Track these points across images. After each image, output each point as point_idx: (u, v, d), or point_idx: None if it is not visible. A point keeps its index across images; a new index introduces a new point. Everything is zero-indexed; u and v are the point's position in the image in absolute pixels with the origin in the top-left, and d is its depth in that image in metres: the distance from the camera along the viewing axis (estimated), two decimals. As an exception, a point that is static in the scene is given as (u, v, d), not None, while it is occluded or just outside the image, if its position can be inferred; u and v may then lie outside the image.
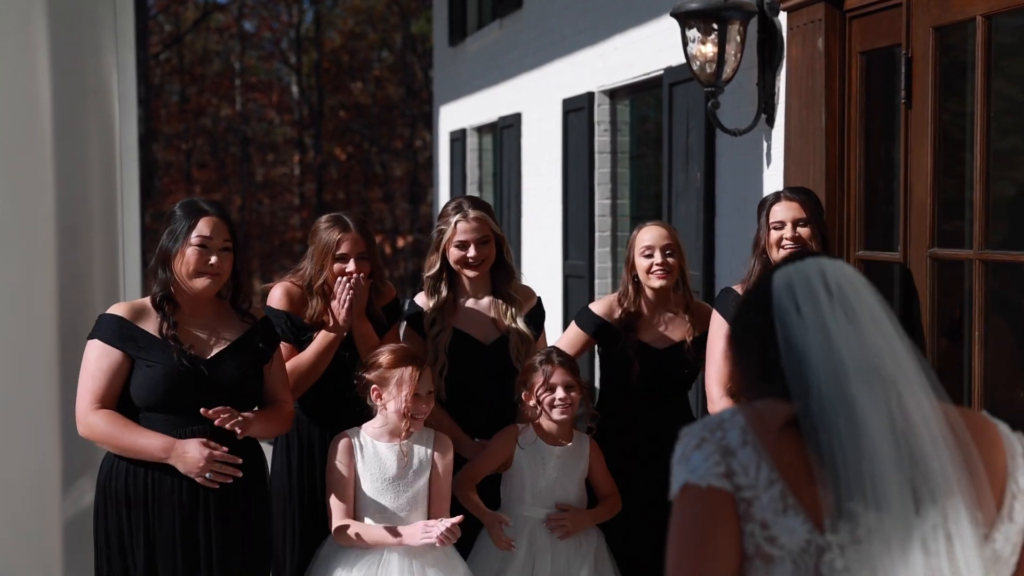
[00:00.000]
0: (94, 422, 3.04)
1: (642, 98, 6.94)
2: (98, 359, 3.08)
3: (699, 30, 4.68)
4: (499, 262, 3.79)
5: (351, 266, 3.61)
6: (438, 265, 3.76)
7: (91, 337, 3.12)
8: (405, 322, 3.86)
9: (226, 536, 3.12)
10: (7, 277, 3.05)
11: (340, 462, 3.37)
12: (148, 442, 3.03)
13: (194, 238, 3.10)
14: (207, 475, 3.05)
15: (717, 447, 1.45)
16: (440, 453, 3.42)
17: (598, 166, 7.09)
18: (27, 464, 3.13)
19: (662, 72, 5.94)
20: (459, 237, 3.70)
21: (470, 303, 3.80)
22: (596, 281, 7.15)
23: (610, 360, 3.91)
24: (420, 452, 3.41)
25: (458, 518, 3.27)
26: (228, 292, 3.23)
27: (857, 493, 1.38)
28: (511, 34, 8.80)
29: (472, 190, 10.04)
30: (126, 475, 3.08)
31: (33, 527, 3.16)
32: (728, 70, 4.70)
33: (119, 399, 3.09)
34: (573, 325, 4.00)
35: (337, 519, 3.34)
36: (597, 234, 7.14)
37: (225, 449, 3.07)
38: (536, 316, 3.88)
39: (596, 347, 4.03)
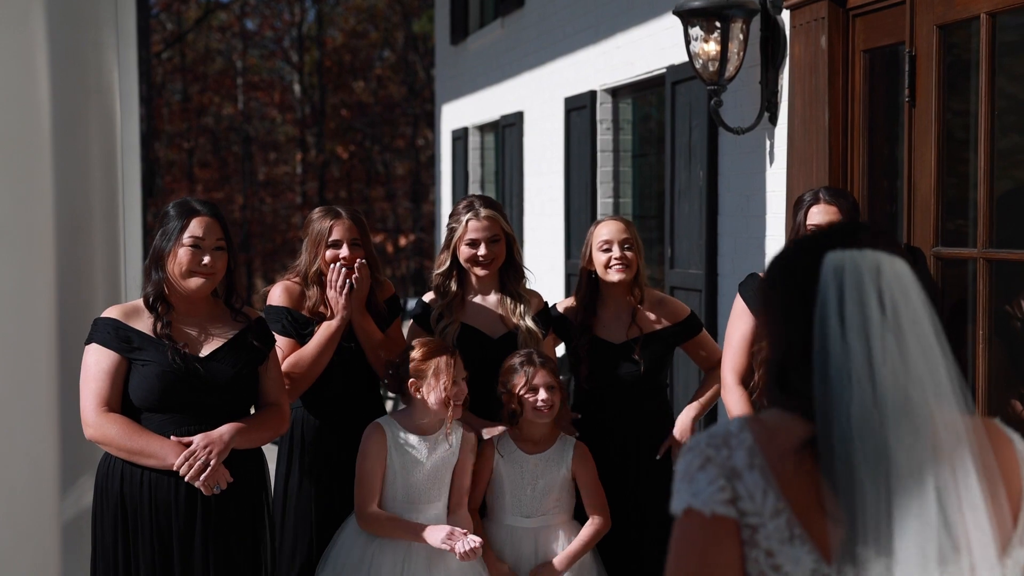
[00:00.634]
0: (105, 426, 3.04)
1: (644, 96, 6.92)
2: (97, 362, 3.08)
3: (702, 28, 4.66)
4: (509, 262, 3.80)
5: (344, 251, 3.64)
6: (448, 263, 3.78)
7: (88, 342, 3.13)
8: (412, 320, 3.87)
9: (224, 539, 3.11)
10: (5, 276, 3.04)
11: (372, 450, 3.41)
12: (160, 448, 3.03)
13: (186, 238, 3.10)
14: (214, 487, 3.05)
15: (722, 469, 1.37)
16: (465, 447, 3.47)
17: (600, 165, 7.08)
18: (25, 464, 3.11)
19: (664, 70, 5.93)
20: (470, 235, 3.72)
21: (478, 300, 3.82)
22: (598, 280, 7.13)
23: (570, 358, 3.92)
24: (445, 443, 3.45)
25: (479, 540, 3.29)
26: (222, 291, 3.24)
27: (872, 539, 1.30)
28: (513, 32, 8.78)
29: (474, 189, 10.03)
30: (122, 476, 3.07)
31: (31, 528, 3.14)
32: (731, 68, 4.68)
33: (122, 401, 3.09)
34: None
35: (364, 505, 3.37)
36: (599, 233, 7.11)
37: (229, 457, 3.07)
38: (543, 318, 3.88)
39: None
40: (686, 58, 4.84)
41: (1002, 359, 3.49)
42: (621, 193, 7.11)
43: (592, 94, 7.05)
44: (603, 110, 7.03)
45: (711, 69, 4.69)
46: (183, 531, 3.07)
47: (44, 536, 3.18)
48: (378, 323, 3.76)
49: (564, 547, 3.51)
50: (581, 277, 3.90)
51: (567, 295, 7.61)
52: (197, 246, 3.10)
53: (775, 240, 4.80)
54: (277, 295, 3.71)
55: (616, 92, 6.98)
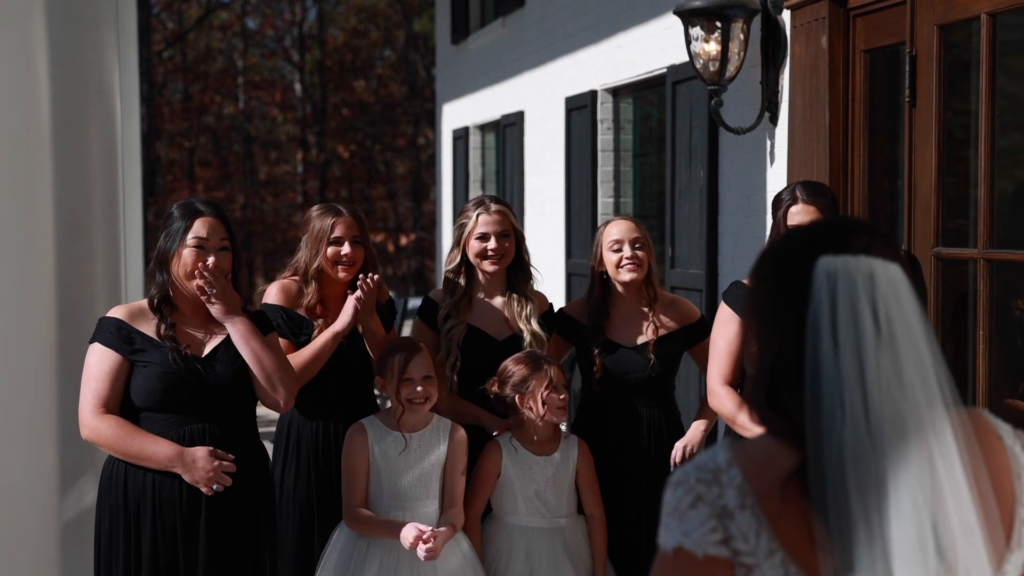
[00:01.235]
0: (100, 427, 3.03)
1: (645, 96, 6.92)
2: (99, 362, 3.08)
3: (702, 28, 4.66)
4: (517, 261, 3.80)
5: (346, 248, 3.66)
6: (458, 260, 3.79)
7: (92, 341, 3.13)
8: (416, 316, 3.88)
9: (227, 539, 3.11)
10: (5, 277, 3.04)
11: (353, 450, 3.41)
12: (155, 450, 3.02)
13: (190, 239, 3.10)
14: (214, 486, 3.05)
15: (713, 509, 1.33)
16: (454, 444, 3.45)
17: (601, 164, 7.07)
18: (25, 465, 3.11)
19: (665, 70, 5.92)
20: (480, 229, 3.73)
21: (485, 300, 3.82)
22: (599, 280, 7.12)
23: (580, 361, 3.90)
24: (433, 442, 3.44)
25: (443, 530, 3.29)
26: None
27: (867, 572, 1.26)
28: (514, 32, 8.78)
29: (475, 188, 10.03)
30: (126, 478, 3.07)
31: (31, 529, 3.14)
32: (731, 68, 4.68)
33: (121, 402, 3.09)
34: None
35: (349, 504, 3.38)
36: (600, 232, 7.12)
37: (232, 457, 3.07)
38: (549, 320, 3.88)
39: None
40: (687, 58, 4.83)
41: (1002, 359, 3.49)
42: (622, 193, 7.11)
43: (593, 94, 7.05)
44: (604, 110, 7.03)
45: (712, 69, 4.69)
46: (186, 531, 3.06)
47: (44, 537, 3.19)
48: (382, 321, 3.76)
49: (576, 546, 3.52)
50: (592, 279, 3.88)
51: (568, 295, 7.62)
52: (201, 247, 3.10)
53: (775, 240, 4.79)
54: (273, 294, 3.71)
55: (617, 92, 6.98)
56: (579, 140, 7.29)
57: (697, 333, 3.86)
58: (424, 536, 3.23)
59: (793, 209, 3.46)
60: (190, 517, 3.06)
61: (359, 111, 23.86)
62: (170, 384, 3.05)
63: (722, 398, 3.51)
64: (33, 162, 3.22)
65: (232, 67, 23.99)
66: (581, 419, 3.84)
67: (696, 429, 3.81)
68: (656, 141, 6.82)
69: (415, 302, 7.29)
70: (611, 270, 3.80)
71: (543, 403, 3.49)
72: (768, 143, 4.90)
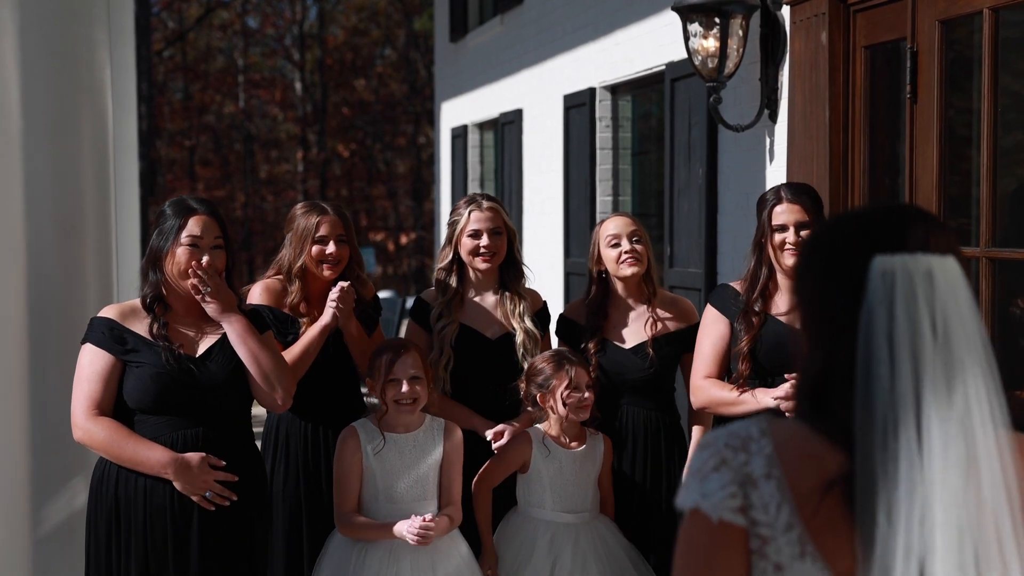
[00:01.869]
0: (93, 430, 2.98)
1: (644, 94, 6.88)
2: (91, 363, 3.03)
3: (701, 24, 4.61)
4: (509, 259, 3.76)
5: (331, 247, 3.63)
6: (450, 258, 3.76)
7: (84, 341, 3.08)
8: (408, 317, 3.84)
9: (221, 547, 3.06)
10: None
11: (345, 454, 3.37)
12: (149, 455, 2.97)
13: (184, 238, 3.05)
14: (206, 495, 3.00)
15: (737, 475, 1.30)
16: (449, 444, 3.42)
17: (600, 162, 7.03)
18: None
19: (664, 67, 5.88)
20: (472, 226, 3.69)
21: (477, 299, 3.79)
22: (598, 279, 7.08)
23: None
24: (428, 442, 3.41)
25: (428, 515, 3.26)
26: None
27: None
28: (512, 30, 8.74)
29: (473, 187, 9.99)
30: (117, 480, 3.02)
31: (6, 533, 3.10)
32: (730, 65, 4.63)
33: (115, 403, 3.04)
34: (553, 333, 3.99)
35: (340, 510, 3.35)
36: (599, 231, 7.07)
37: (223, 464, 3.02)
38: (542, 318, 3.85)
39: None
40: (685, 55, 4.79)
41: (1004, 359, 3.45)
42: (620, 191, 7.06)
43: (591, 91, 7.00)
44: (602, 107, 6.98)
45: (710, 66, 4.63)
46: (177, 539, 3.01)
47: (16, 541, 3.14)
48: (364, 322, 3.73)
49: (597, 541, 3.52)
50: (590, 278, 3.84)
51: (566, 294, 7.57)
52: (195, 245, 3.05)
53: (775, 239, 4.74)
54: (257, 294, 3.68)
55: (615, 89, 6.93)
56: (577, 138, 7.24)
57: (695, 338, 3.79)
58: (418, 522, 3.20)
59: (777, 208, 3.43)
60: (181, 525, 3.01)
61: (359, 110, 23.83)
62: (164, 384, 3.00)
63: (706, 387, 3.48)
64: (4, 161, 3.18)
65: (232, 66, 23.97)
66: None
67: (696, 436, 3.79)
68: (655, 139, 6.77)
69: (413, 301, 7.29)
70: (611, 266, 3.76)
71: (563, 403, 3.50)
72: (767, 141, 4.85)
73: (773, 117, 4.77)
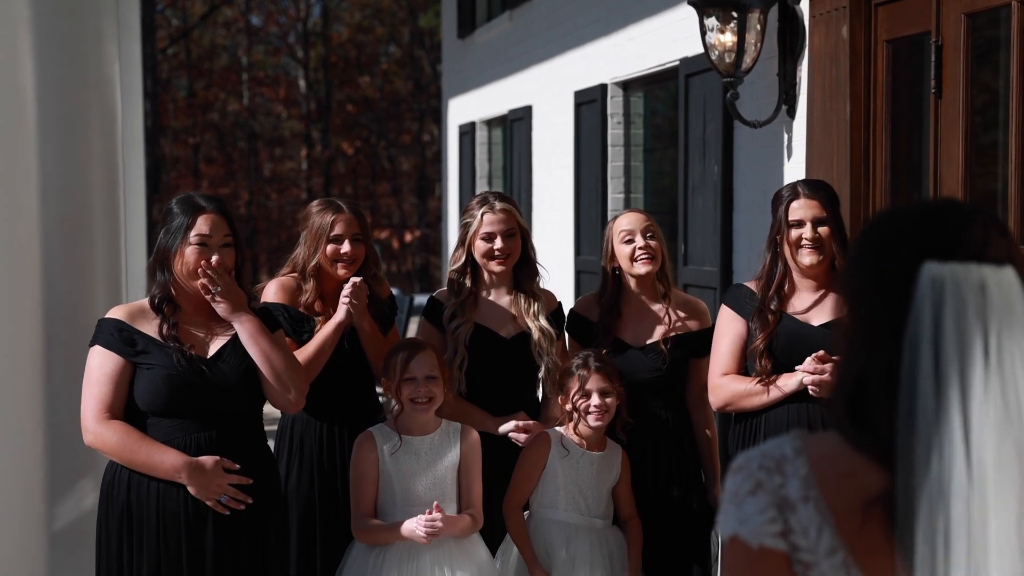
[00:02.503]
0: (105, 434, 2.92)
1: (656, 90, 6.81)
2: (100, 365, 2.96)
3: (718, 19, 4.55)
4: (523, 259, 3.71)
5: (346, 247, 3.58)
6: (463, 259, 3.69)
7: (92, 343, 3.01)
8: (421, 316, 3.79)
9: (236, 551, 2.99)
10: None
11: (361, 459, 3.32)
12: (162, 459, 2.90)
13: (193, 237, 2.98)
14: (221, 499, 2.94)
15: (774, 498, 1.24)
16: (466, 445, 3.38)
17: (611, 160, 6.96)
18: (11, 471, 3.01)
19: (677, 63, 5.81)
20: (485, 229, 3.63)
21: (491, 298, 3.73)
22: (609, 277, 7.02)
23: None
24: (445, 445, 3.36)
25: (436, 513, 3.19)
26: None
27: None
28: (521, 25, 8.67)
29: (481, 184, 9.92)
30: (129, 484, 2.95)
31: (19, 535, 3.04)
32: (748, 60, 4.56)
33: (126, 405, 2.98)
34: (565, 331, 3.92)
35: (356, 515, 3.30)
36: (610, 229, 7.01)
37: (237, 467, 2.96)
38: (557, 318, 3.79)
39: None
40: (699, 50, 4.72)
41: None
42: (632, 188, 6.99)
43: (603, 87, 6.93)
44: (614, 104, 6.91)
45: (727, 61, 4.57)
46: (191, 545, 2.94)
47: (31, 543, 3.09)
48: (380, 321, 3.67)
49: (611, 550, 3.48)
50: (603, 276, 3.79)
51: (576, 292, 7.51)
52: (204, 244, 2.99)
53: (793, 236, 4.67)
54: (272, 292, 3.63)
55: (627, 85, 6.87)
56: (588, 135, 7.18)
57: (707, 340, 3.68)
58: (429, 519, 3.15)
59: (794, 204, 3.36)
60: (195, 529, 2.94)
61: (364, 107, 23.78)
62: (175, 387, 2.94)
63: (725, 383, 3.42)
64: (18, 157, 3.12)
65: (236, 63, 23.92)
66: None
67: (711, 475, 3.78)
68: (667, 136, 6.70)
69: (421, 299, 7.18)
70: (625, 263, 3.70)
71: (574, 406, 3.47)
72: (785, 137, 4.78)
73: (791, 113, 4.70)
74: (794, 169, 4.69)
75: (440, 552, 3.23)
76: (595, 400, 3.44)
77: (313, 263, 3.61)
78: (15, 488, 3.06)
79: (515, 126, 8.79)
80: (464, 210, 3.77)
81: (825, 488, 1.23)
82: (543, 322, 3.67)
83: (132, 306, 3.08)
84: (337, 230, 3.59)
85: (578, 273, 7.53)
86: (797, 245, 3.37)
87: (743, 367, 3.46)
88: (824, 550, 1.22)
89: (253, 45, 24.09)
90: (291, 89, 24.06)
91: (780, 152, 4.83)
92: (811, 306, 3.36)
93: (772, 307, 3.36)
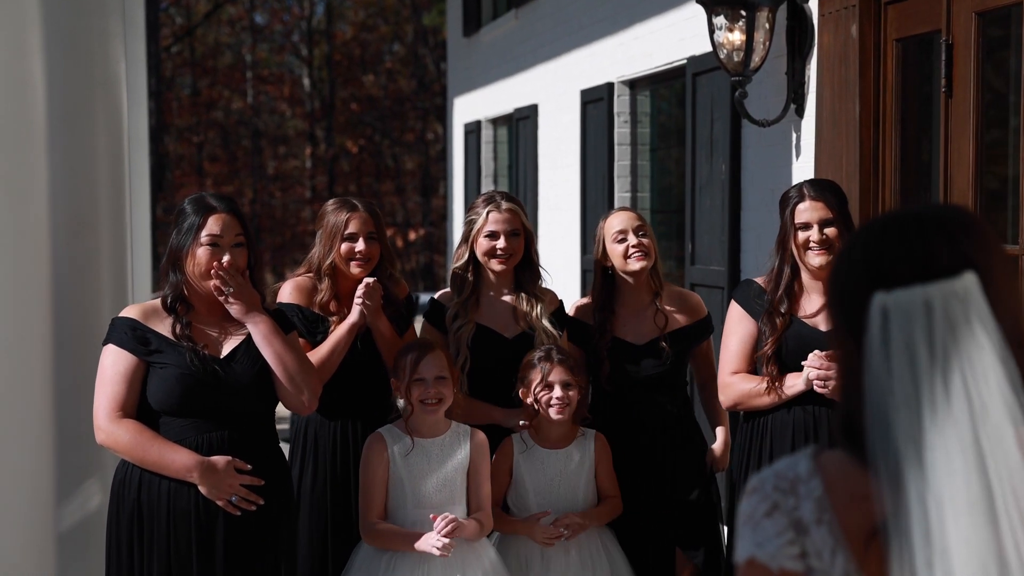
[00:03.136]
0: (117, 432, 2.91)
1: (663, 88, 6.79)
2: (113, 364, 2.95)
3: (726, 17, 4.53)
4: (526, 260, 3.69)
5: (360, 245, 3.56)
6: (466, 257, 3.69)
7: (106, 342, 3.01)
8: (423, 317, 3.78)
9: (247, 552, 2.98)
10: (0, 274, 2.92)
11: (371, 461, 3.31)
12: (174, 458, 2.89)
13: (204, 237, 2.97)
14: (232, 499, 2.92)
15: (790, 521, 1.24)
16: (475, 448, 3.36)
17: (618, 159, 6.94)
18: (18, 472, 2.99)
19: (685, 62, 5.79)
20: (490, 227, 3.62)
21: (493, 298, 3.72)
22: (615, 276, 7.00)
23: (589, 360, 3.80)
24: (454, 446, 3.35)
25: (448, 520, 3.18)
26: None
27: None
28: (527, 24, 8.66)
29: (487, 183, 9.91)
30: (140, 484, 2.94)
31: (27, 537, 3.03)
32: (756, 58, 4.55)
33: (138, 404, 2.97)
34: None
35: (365, 518, 3.29)
36: (616, 228, 6.98)
37: (249, 467, 2.95)
38: (560, 318, 3.78)
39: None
40: (707, 49, 4.70)
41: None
42: (639, 187, 6.97)
43: (609, 86, 6.91)
44: (620, 102, 6.90)
45: (736, 59, 4.55)
46: (201, 545, 2.93)
47: (39, 543, 3.07)
48: (396, 321, 3.65)
49: (592, 542, 3.45)
50: (596, 275, 3.79)
51: (583, 291, 7.49)
52: (216, 244, 2.97)
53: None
54: (287, 292, 3.62)
55: (634, 84, 6.85)
56: (595, 134, 7.16)
57: (705, 330, 3.79)
58: (438, 532, 3.12)
59: (800, 206, 3.36)
60: (206, 529, 2.93)
61: (368, 106, 23.76)
62: (188, 387, 2.93)
63: (735, 382, 3.42)
64: (27, 155, 3.10)
65: (240, 62, 23.90)
66: (594, 418, 3.74)
67: (721, 441, 3.78)
68: (674, 134, 6.69)
69: (424, 297, 7.19)
70: (618, 262, 3.71)
71: (536, 399, 3.44)
72: (794, 136, 4.76)
73: (800, 112, 4.68)
74: (802, 168, 4.67)
75: (451, 555, 3.20)
76: (557, 392, 3.41)
77: (328, 262, 3.60)
78: (22, 488, 3.04)
79: (521, 125, 8.78)
80: (470, 207, 3.77)
81: (839, 511, 1.23)
82: (545, 323, 3.66)
83: (146, 305, 3.08)
84: (351, 228, 3.58)
85: (584, 272, 7.51)
86: (805, 247, 3.36)
87: (752, 366, 3.45)
88: (839, 573, 1.21)
89: (257, 43, 24.07)
90: (295, 87, 24.05)
91: (788, 151, 4.81)
92: (820, 309, 3.35)
93: (782, 310, 3.35)
